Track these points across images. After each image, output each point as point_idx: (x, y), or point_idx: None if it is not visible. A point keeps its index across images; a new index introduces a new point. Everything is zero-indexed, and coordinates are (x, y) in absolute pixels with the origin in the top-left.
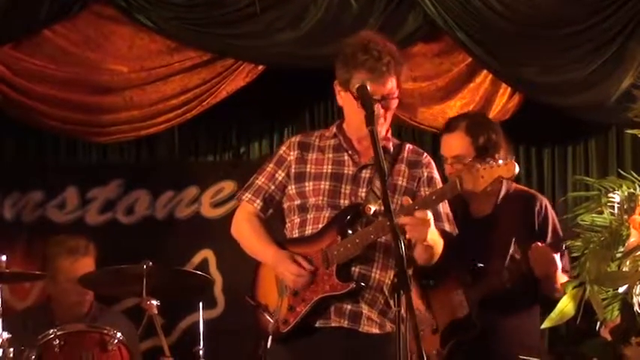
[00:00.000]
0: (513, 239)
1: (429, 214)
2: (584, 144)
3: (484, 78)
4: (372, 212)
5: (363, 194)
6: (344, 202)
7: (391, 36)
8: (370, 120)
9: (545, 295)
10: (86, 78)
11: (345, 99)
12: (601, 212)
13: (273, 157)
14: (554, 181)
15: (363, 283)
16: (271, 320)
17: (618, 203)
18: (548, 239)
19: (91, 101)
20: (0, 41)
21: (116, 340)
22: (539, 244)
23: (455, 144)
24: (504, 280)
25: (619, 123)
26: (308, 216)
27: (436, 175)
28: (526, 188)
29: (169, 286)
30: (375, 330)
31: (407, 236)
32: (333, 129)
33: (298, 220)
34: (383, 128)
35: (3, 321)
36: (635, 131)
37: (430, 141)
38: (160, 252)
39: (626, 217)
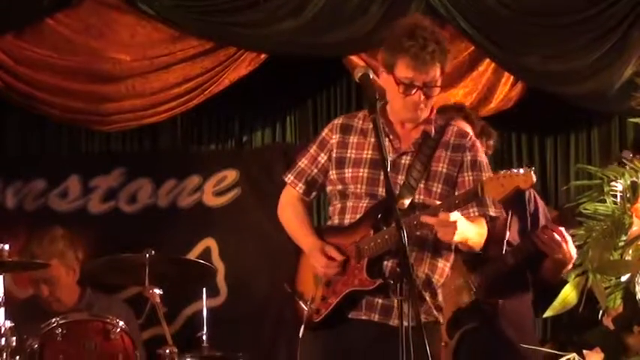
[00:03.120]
0: (508, 225)
1: (453, 217)
2: (586, 132)
3: (487, 67)
4: (405, 206)
5: (401, 182)
6: (382, 190)
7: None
8: (373, 109)
9: (541, 280)
10: (89, 66)
11: (387, 81)
12: (604, 201)
13: (316, 140)
14: (557, 169)
15: (391, 280)
16: (305, 308)
17: (621, 192)
18: (542, 224)
19: (94, 90)
20: (2, 30)
21: (119, 329)
22: (547, 227)
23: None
24: (509, 264)
25: (621, 112)
26: (348, 204)
27: (481, 157)
28: None
29: (172, 275)
30: (405, 322)
31: (437, 235)
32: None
33: (339, 206)
34: (423, 114)
35: (5, 310)
36: (637, 120)
37: None
38: (162, 241)
39: (628, 205)
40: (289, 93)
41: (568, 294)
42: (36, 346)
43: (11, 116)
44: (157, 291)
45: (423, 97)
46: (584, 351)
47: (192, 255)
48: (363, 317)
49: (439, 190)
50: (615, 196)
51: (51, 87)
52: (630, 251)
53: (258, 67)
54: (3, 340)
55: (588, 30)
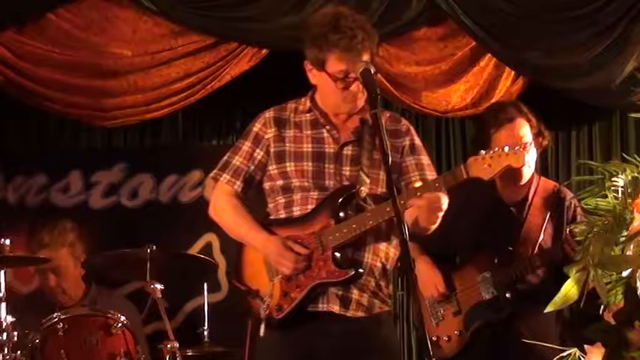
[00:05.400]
0: (543, 228)
1: (443, 199)
2: (588, 128)
3: (488, 62)
4: (364, 195)
5: (347, 173)
6: (329, 183)
7: (395, 19)
8: (374, 103)
9: None
10: (90, 62)
11: (319, 78)
12: (605, 196)
13: (248, 135)
14: (558, 164)
15: (360, 270)
16: (263, 305)
17: (622, 187)
18: None
19: (95, 85)
20: (4, 25)
21: (120, 324)
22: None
23: (525, 130)
24: (535, 265)
25: (623, 107)
26: (294, 197)
27: (417, 141)
28: (550, 180)
29: (173, 270)
30: (362, 314)
31: (418, 219)
32: (307, 102)
33: (283, 200)
34: (361, 102)
35: (7, 305)
36: (638, 115)
37: (434, 125)
38: (163, 236)
39: (629, 201)
40: (290, 88)
41: (569, 289)
42: (37, 341)
43: (12, 111)
44: (159, 286)
45: (361, 86)
46: (586, 346)
47: (194, 250)
48: (323, 309)
49: (382, 178)
50: (616, 192)
51: (52, 82)
52: (631, 246)
53: (260, 62)
54: (4, 335)
55: (589, 25)
